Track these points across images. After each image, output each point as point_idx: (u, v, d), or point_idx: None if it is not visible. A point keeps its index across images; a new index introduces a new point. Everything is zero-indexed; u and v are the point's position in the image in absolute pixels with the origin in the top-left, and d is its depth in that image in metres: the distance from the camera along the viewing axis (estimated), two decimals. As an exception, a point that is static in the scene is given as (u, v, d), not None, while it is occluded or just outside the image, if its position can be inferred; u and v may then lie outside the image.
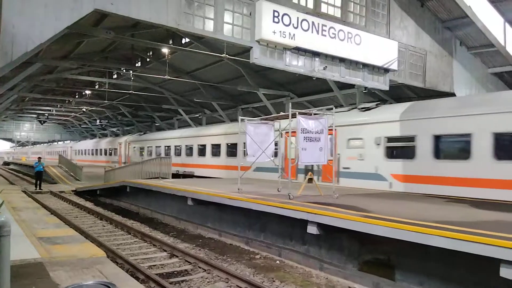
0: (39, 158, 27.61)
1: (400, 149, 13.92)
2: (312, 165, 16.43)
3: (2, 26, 7.16)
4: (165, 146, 31.08)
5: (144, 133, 39.74)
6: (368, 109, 15.90)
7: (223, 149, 23.58)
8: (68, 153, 56.88)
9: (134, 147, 37.15)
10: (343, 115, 15.96)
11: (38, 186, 26.52)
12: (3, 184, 30.36)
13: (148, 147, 34.16)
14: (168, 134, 32.56)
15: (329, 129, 11.34)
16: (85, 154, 52.89)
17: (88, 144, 54.79)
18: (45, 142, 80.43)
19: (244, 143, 19.29)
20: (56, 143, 76.39)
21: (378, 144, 14.29)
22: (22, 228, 9.98)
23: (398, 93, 19.95)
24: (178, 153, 28.63)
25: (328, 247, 9.25)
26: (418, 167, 12.95)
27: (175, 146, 29.46)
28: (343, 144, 15.74)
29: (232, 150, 22.82)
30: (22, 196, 19.79)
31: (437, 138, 12.80)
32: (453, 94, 16.81)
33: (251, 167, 18.85)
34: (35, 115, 53.95)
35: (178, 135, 29.88)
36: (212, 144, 24.77)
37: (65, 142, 73.68)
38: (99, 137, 58.02)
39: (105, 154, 45.22)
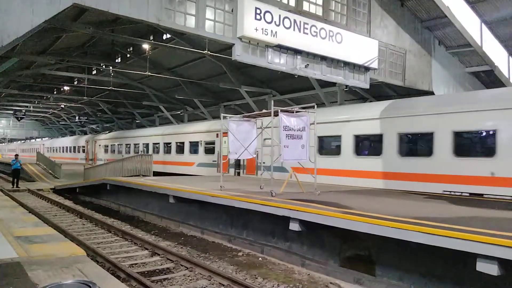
0: (16, 155, 26.99)
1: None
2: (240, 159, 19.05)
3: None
4: (126, 144, 34.19)
5: (109, 132, 42.77)
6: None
7: (173, 148, 26.71)
8: (41, 150, 57.13)
9: (99, 145, 39.90)
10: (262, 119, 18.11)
11: (15, 184, 25.89)
12: (-22, 182, 29.58)
13: (111, 145, 37.14)
14: (126, 134, 36.00)
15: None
16: (57, 151, 53.67)
17: (60, 141, 56.31)
18: (22, 139, 78.58)
19: (190, 142, 24.06)
20: (34, 140, 74.92)
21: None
22: (-2, 227, 9.74)
23: (379, 91, 20.25)
24: (136, 151, 31.62)
25: (310, 244, 9.33)
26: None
27: (134, 144, 32.69)
28: (260, 144, 18.16)
29: (180, 148, 25.99)
30: (-2, 194, 19.31)
31: (321, 139, 15.64)
32: (432, 93, 17.16)
33: (194, 163, 23.45)
34: (11, 111, 52.56)
35: (136, 135, 33.46)
36: (153, 143, 29.41)
37: (42, 139, 72.49)
38: (77, 134, 57.31)
39: (75, 151, 47.39)
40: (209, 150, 22.72)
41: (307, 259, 9.31)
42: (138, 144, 31.72)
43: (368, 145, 14.87)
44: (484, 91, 15.29)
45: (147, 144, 30.21)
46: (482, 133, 11.67)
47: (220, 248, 11.21)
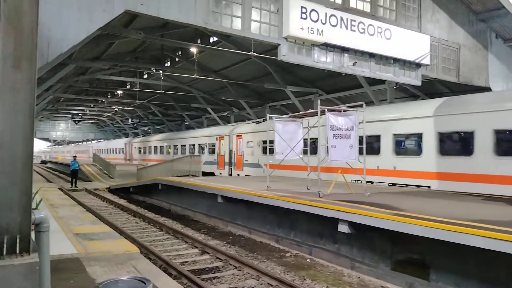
0: (75, 157, 28.51)
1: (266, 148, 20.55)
2: (231, 157, 25.06)
3: (38, 29, 7.43)
4: (154, 147, 41.35)
5: (143, 135, 51.34)
6: (258, 122, 23.94)
7: (187, 149, 32.45)
8: (90, 151, 64.84)
9: (135, 147, 47.77)
10: (245, 126, 24.79)
11: (73, 183, 27.36)
12: (41, 182, 31.54)
13: (143, 147, 44.74)
14: (153, 138, 43.39)
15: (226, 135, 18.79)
16: (102, 152, 60.08)
17: (104, 144, 64.89)
18: (80, 141, 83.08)
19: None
20: (88, 142, 79.43)
21: (259, 145, 21.91)
22: (59, 225, 10.34)
23: (431, 88, 19.42)
24: (162, 151, 38.83)
25: (360, 246, 9.12)
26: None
27: (160, 146, 39.65)
28: (244, 146, 23.53)
29: (191, 149, 31.63)
30: (58, 193, 20.53)
31: (271, 142, 19.77)
32: (488, 89, 16.23)
33: (202, 161, 28.28)
34: (69, 115, 55.54)
35: (161, 138, 40.47)
36: (173, 145, 36.03)
37: (92, 142, 77.30)
38: (130, 136, 60.16)
39: (116, 152, 55.18)
40: (211, 151, 27.98)
41: (357, 262, 9.12)
42: (163, 146, 38.84)
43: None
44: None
45: (170, 146, 36.94)
46: (373, 138, 15.19)
47: (267, 248, 11.24)
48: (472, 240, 6.19)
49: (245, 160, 22.85)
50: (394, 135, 14.77)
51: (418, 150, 14.11)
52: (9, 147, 3.74)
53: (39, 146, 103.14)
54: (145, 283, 3.27)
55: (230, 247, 11.44)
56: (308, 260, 10.03)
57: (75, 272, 6.28)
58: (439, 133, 13.31)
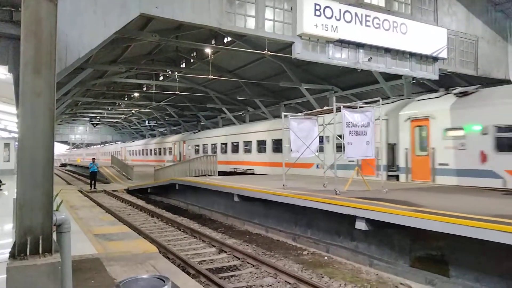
0: (93, 159, 28.96)
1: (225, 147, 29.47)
2: (180, 157, 37.99)
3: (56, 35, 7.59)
4: (138, 150, 55.95)
5: (133, 141, 65.17)
6: (195, 132, 35.31)
7: (164, 151, 45.70)
8: (97, 154, 75.43)
9: (126, 150, 61.38)
10: (188, 135, 37.98)
11: (92, 185, 27.81)
12: (61, 184, 32.14)
13: (132, 150, 58.89)
14: (141, 142, 57.89)
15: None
16: (106, 155, 69.81)
17: (108, 148, 76.07)
18: (98, 144, 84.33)
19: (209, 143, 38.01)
20: (108, 144, 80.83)
21: (193, 148, 33.16)
22: (79, 226, 10.55)
23: (449, 82, 19.08)
24: (149, 153, 51.08)
25: (378, 243, 9.05)
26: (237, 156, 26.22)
27: (145, 149, 53.16)
28: (186, 149, 35.75)
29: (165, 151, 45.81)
30: (78, 195, 20.91)
31: (197, 146, 31.56)
32: (508, 82, 15.89)
33: (165, 160, 42.46)
34: (88, 118, 56.41)
35: (148, 143, 53.91)
36: (153, 148, 50.39)
37: (100, 145, 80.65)
38: (147, 138, 61.40)
39: (116, 155, 63.63)
40: (169, 153, 42.66)
41: (375, 259, 9.05)
42: (147, 149, 52.31)
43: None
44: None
45: (152, 149, 50.02)
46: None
47: (284, 247, 11.24)
48: (493, 235, 6.09)
49: (189, 156, 33.37)
50: None
51: None
52: (30, 150, 3.84)
53: (59, 149, 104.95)
54: (164, 281, 3.32)
55: (247, 245, 11.48)
56: (325, 258, 10.00)
57: (96, 272, 6.40)
58: None
